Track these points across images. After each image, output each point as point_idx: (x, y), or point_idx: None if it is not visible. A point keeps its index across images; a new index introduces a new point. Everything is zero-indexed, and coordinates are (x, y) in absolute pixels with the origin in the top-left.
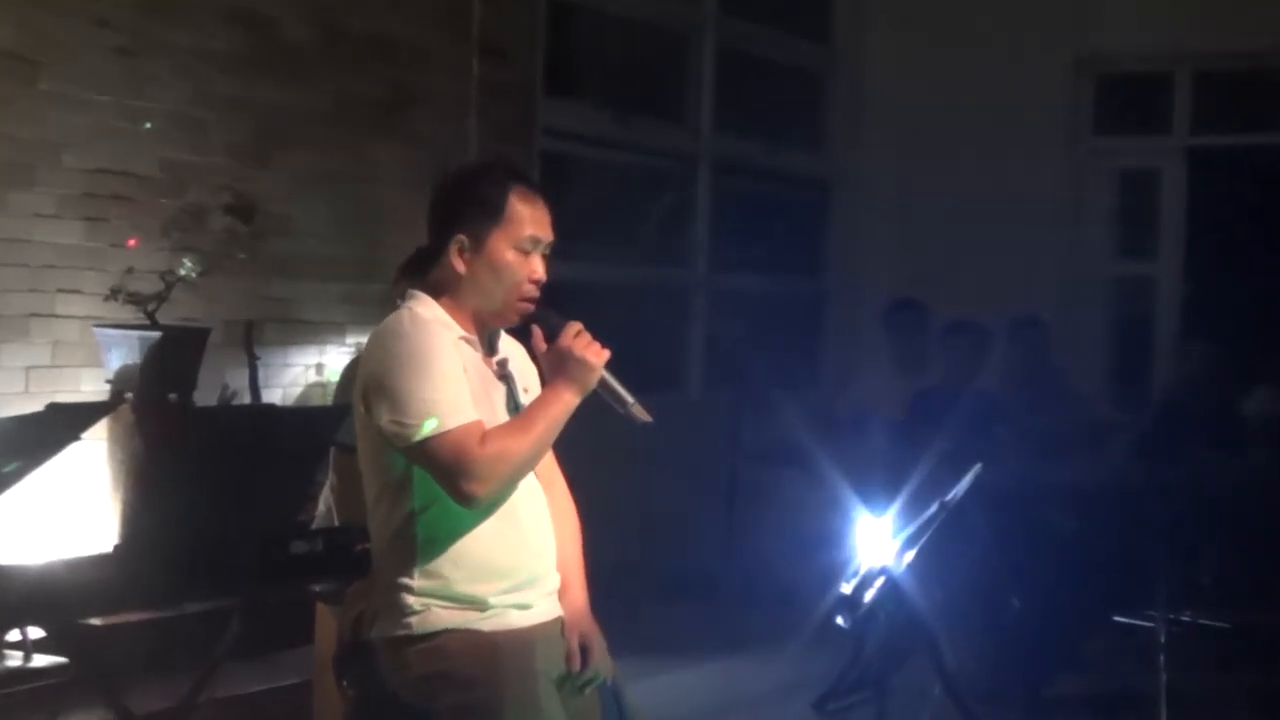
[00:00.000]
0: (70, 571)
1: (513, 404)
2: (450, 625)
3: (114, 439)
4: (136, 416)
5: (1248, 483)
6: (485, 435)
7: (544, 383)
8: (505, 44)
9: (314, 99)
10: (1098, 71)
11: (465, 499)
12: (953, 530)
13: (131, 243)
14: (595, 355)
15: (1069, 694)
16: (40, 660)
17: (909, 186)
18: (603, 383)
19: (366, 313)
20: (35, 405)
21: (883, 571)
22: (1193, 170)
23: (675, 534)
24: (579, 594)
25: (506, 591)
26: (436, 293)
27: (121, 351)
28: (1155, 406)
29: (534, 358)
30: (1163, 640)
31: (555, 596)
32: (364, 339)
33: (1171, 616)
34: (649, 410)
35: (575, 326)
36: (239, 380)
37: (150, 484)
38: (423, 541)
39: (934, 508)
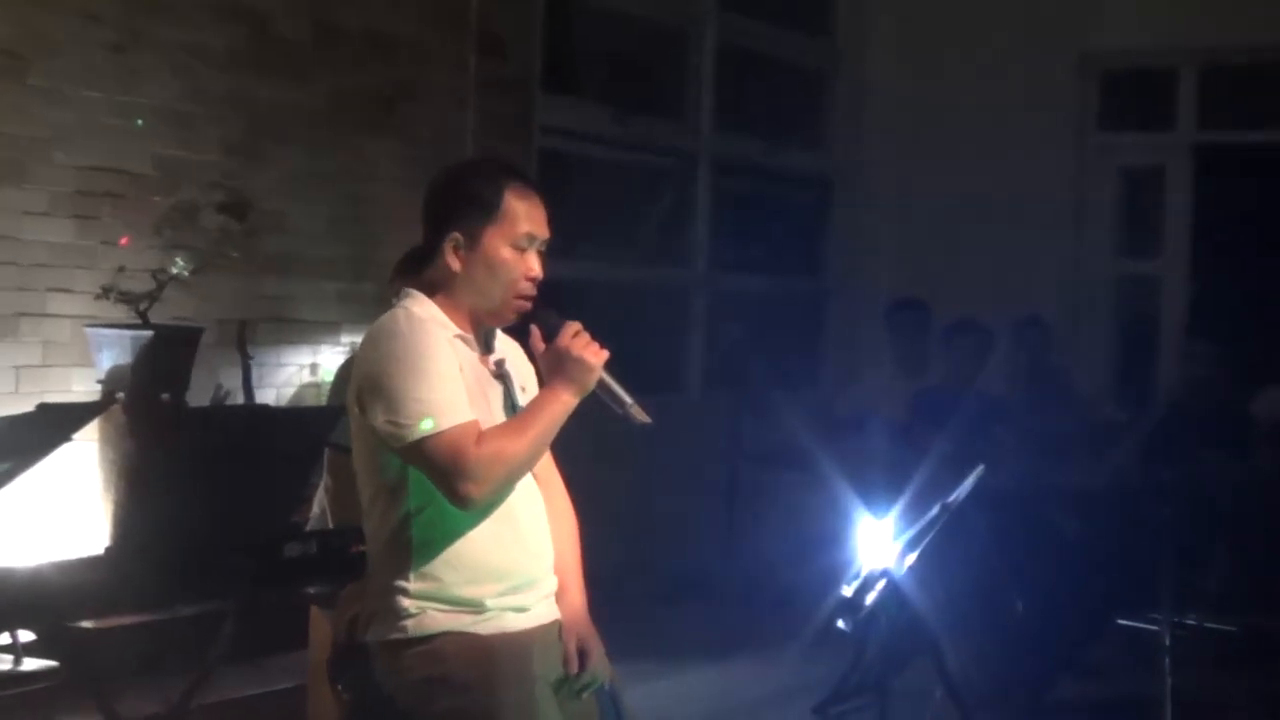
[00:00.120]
0: (61, 574)
1: (509, 403)
2: (446, 628)
3: (105, 440)
4: (128, 417)
5: (1254, 484)
6: (481, 436)
7: (542, 383)
8: (503, 40)
9: (308, 95)
10: (1101, 67)
11: (461, 500)
12: (955, 532)
13: (123, 241)
14: (594, 355)
15: (1073, 698)
16: (31, 664)
17: (910, 185)
18: (601, 383)
19: (362, 312)
20: (25, 406)
21: (884, 574)
22: (1198, 167)
23: (674, 536)
24: (577, 596)
25: (504, 594)
26: (432, 291)
27: (113, 351)
28: (1159, 407)
29: (531, 357)
30: (1167, 644)
31: (553, 599)
32: (359, 339)
33: (1176, 620)
34: (648, 411)
35: (574, 326)
36: (232, 380)
37: (142, 485)
38: (418, 543)
39: (936, 510)
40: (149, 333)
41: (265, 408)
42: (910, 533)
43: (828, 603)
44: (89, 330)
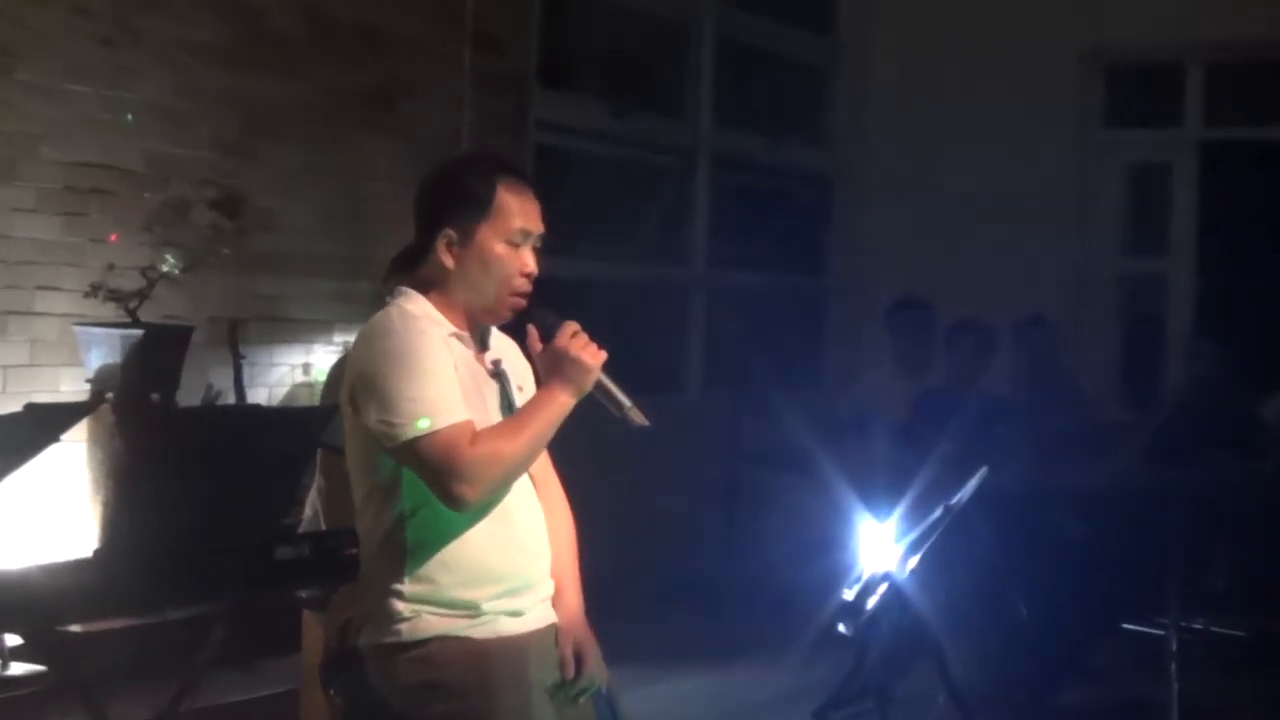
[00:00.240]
0: (49, 576)
1: (506, 402)
2: (441, 632)
3: (94, 440)
4: (117, 417)
5: (1261, 487)
6: (476, 436)
7: (539, 383)
8: (499, 34)
9: (301, 91)
10: (1107, 62)
11: (454, 501)
12: (957, 535)
13: (113, 238)
14: (592, 356)
15: (1078, 703)
16: (18, 668)
17: (913, 182)
18: (599, 385)
19: (355, 311)
20: (13, 405)
21: (886, 577)
22: (1205, 164)
23: (673, 538)
24: (574, 599)
25: (500, 596)
26: (426, 289)
27: (102, 350)
28: (1165, 408)
29: (527, 355)
30: (1174, 648)
31: (549, 603)
32: (352, 338)
33: (1183, 624)
34: (645, 414)
35: (572, 327)
36: (223, 380)
37: (131, 487)
38: (413, 545)
39: (938, 512)
40: (139, 331)
41: (257, 408)
42: (912, 535)
43: (828, 606)
44: (78, 329)
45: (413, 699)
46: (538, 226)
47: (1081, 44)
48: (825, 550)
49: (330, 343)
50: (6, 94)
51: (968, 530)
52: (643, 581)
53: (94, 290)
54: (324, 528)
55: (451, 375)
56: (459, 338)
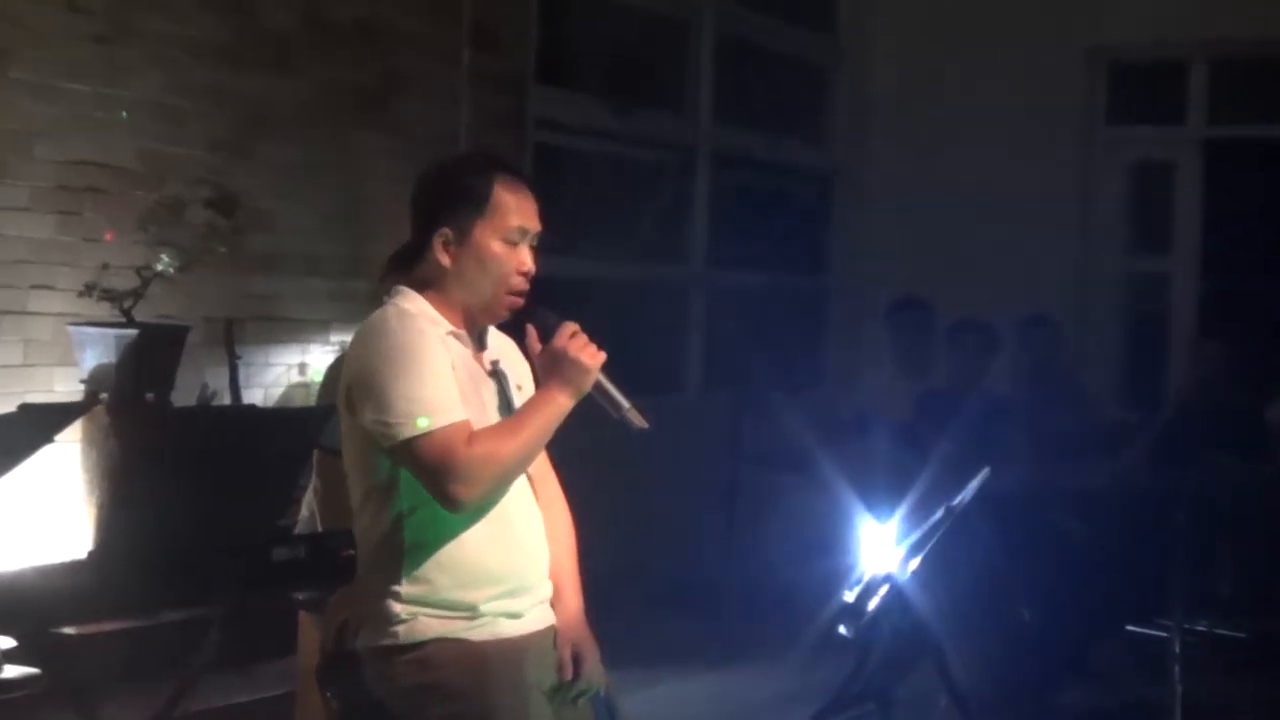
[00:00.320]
0: (42, 578)
1: (504, 402)
2: (438, 634)
3: (88, 441)
4: (112, 418)
5: (1263, 489)
6: (473, 436)
7: (538, 384)
8: (497, 31)
9: (297, 88)
10: (1110, 60)
11: (450, 502)
12: (959, 536)
13: (107, 237)
14: (590, 357)
15: (1080, 705)
16: (11, 671)
17: (914, 181)
18: (598, 386)
19: (351, 310)
20: (7, 406)
21: (887, 579)
22: (1209, 162)
23: (673, 539)
24: (573, 601)
25: (498, 598)
26: (423, 288)
27: (96, 350)
28: (1169, 409)
29: (525, 355)
30: (1178, 650)
31: (548, 605)
32: (349, 337)
33: (1186, 626)
34: (644, 415)
35: (571, 327)
36: (219, 380)
37: (126, 488)
38: (410, 546)
39: (940, 513)
40: (133, 331)
41: (253, 408)
42: (914, 536)
43: (829, 608)
44: (72, 329)
45: (410, 701)
46: (535, 225)
47: (1084, 41)
48: (826, 551)
49: (327, 342)
50: (0, 91)
51: (969, 531)
52: (642, 582)
53: (88, 290)
54: (320, 529)
55: (449, 374)
56: (457, 337)
